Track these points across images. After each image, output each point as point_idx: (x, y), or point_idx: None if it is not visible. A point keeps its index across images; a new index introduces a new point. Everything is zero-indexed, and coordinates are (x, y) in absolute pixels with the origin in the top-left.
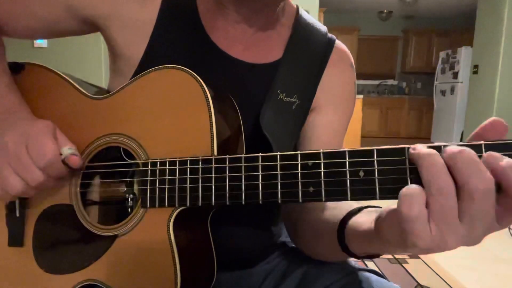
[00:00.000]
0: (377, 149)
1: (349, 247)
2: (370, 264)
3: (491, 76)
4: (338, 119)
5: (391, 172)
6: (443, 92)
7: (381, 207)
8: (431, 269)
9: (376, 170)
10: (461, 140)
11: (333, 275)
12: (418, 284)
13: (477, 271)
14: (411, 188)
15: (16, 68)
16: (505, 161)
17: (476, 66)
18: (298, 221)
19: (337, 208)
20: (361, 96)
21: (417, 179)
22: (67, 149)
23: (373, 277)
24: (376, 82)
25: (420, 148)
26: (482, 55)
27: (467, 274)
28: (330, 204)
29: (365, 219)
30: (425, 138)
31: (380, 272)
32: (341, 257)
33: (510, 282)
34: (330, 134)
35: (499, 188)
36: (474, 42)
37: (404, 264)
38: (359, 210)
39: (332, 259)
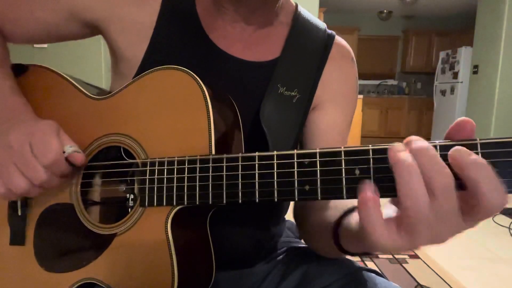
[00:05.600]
0: (372, 148)
1: (343, 246)
2: (370, 264)
3: (491, 76)
4: (341, 115)
5: (386, 171)
6: (443, 92)
7: None
8: (431, 269)
9: (371, 168)
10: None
11: (333, 275)
12: (418, 284)
13: (477, 271)
14: (367, 194)
15: (19, 69)
16: (471, 157)
17: (476, 66)
18: (303, 221)
19: (335, 208)
20: (361, 96)
21: None
22: (70, 147)
23: (373, 276)
24: (376, 82)
25: (397, 153)
26: (482, 55)
27: (467, 274)
28: (331, 203)
29: (356, 219)
30: (425, 138)
31: (380, 272)
32: (340, 255)
33: (510, 282)
34: (334, 132)
35: (464, 185)
36: (474, 42)
37: (404, 264)
38: (354, 208)
39: (334, 256)
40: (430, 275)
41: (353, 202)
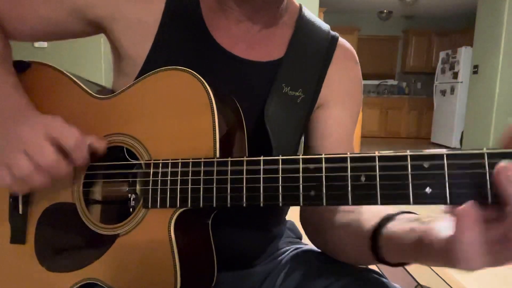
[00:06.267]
0: (379, 155)
1: (383, 256)
2: None
3: (491, 76)
4: (347, 113)
5: (392, 178)
6: (443, 92)
7: (416, 213)
8: (431, 269)
9: (377, 175)
10: (461, 140)
11: (333, 275)
12: (418, 284)
13: (477, 271)
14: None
15: (22, 67)
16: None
17: (476, 66)
18: (321, 221)
19: (366, 212)
20: None
21: (421, 185)
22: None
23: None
24: (376, 82)
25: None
26: (482, 55)
27: (467, 274)
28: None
29: (404, 230)
30: (425, 138)
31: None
32: (370, 263)
33: (510, 282)
34: (341, 130)
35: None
36: (474, 42)
37: None
38: (393, 216)
39: (361, 263)
40: (430, 275)
41: (388, 208)
